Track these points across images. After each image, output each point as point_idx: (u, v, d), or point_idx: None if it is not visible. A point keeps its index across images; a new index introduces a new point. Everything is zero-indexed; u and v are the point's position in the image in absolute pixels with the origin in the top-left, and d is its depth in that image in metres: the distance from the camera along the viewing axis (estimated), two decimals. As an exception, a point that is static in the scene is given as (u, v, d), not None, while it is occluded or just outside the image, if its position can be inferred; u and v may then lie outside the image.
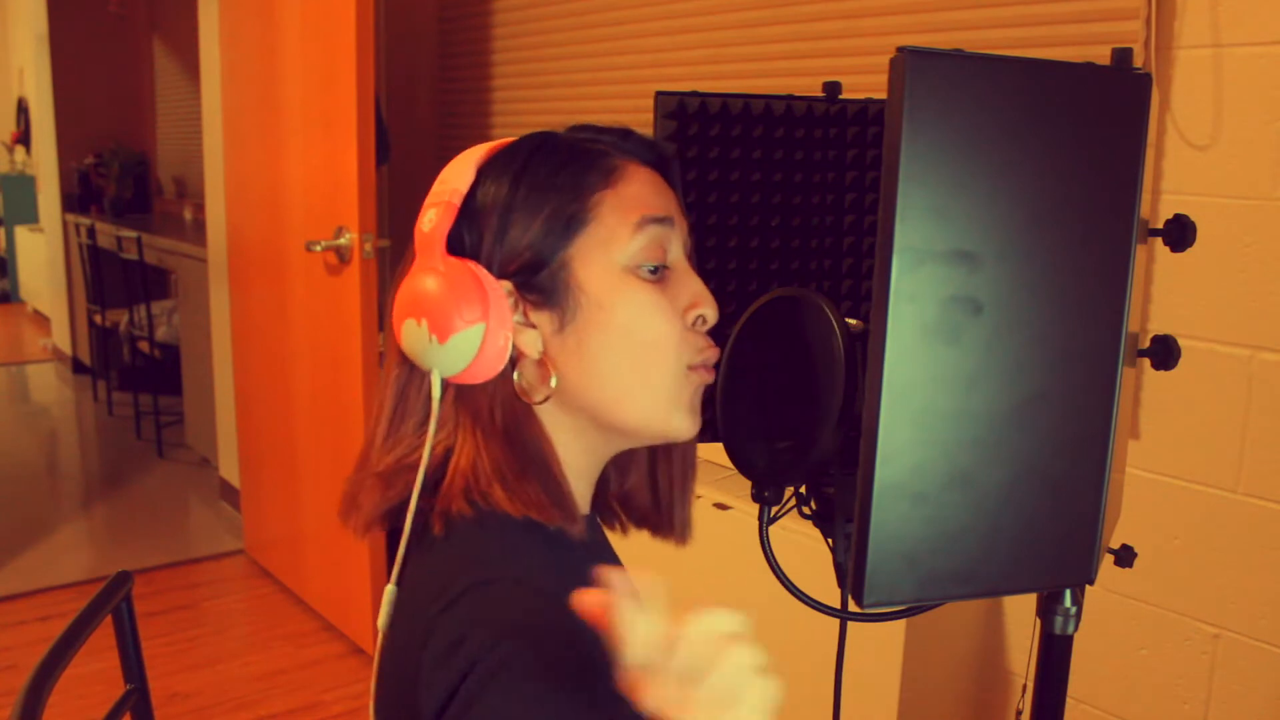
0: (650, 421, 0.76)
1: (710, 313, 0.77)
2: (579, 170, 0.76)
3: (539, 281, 0.74)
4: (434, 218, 0.74)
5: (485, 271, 0.73)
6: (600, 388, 0.75)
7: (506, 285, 0.74)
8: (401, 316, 0.74)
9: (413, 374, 0.78)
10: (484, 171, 0.76)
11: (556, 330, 0.75)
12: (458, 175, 0.76)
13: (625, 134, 0.80)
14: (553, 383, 0.75)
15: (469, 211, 0.75)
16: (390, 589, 0.73)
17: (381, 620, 0.73)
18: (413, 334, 0.73)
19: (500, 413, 0.75)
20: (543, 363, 0.75)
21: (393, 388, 0.79)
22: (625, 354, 0.75)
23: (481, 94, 3.08)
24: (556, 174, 0.75)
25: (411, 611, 0.71)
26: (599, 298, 0.74)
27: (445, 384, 0.74)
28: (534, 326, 0.75)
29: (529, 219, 0.74)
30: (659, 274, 0.75)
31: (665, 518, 0.86)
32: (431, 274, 0.73)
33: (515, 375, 0.75)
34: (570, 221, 0.74)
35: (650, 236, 0.75)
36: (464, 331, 0.72)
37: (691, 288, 0.77)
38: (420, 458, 0.74)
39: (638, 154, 0.79)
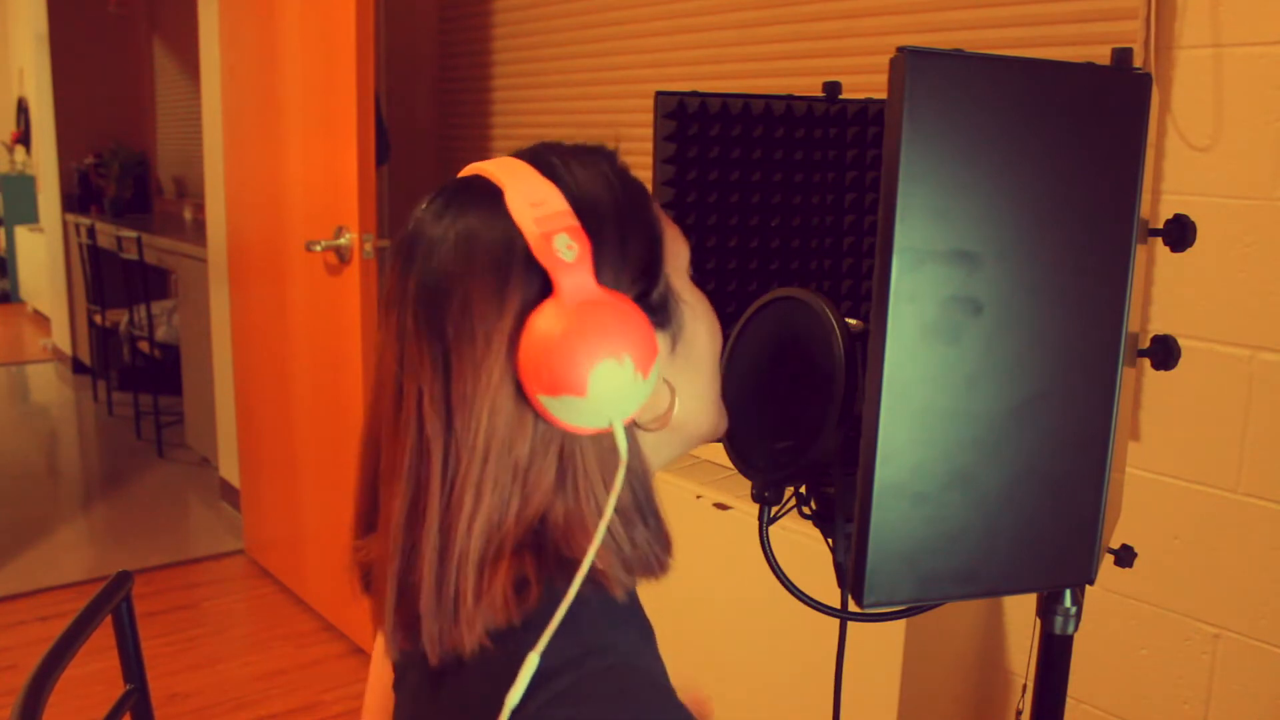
0: (720, 424, 0.78)
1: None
2: (635, 181, 0.72)
3: (654, 301, 0.69)
4: (572, 244, 0.64)
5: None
6: (700, 399, 0.74)
7: None
8: (589, 360, 0.62)
9: (491, 428, 0.65)
10: (571, 189, 0.67)
11: (670, 350, 0.71)
12: (540, 188, 0.66)
13: (609, 150, 0.75)
14: (677, 406, 0.71)
15: (588, 234, 0.66)
16: (534, 657, 0.62)
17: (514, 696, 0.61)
18: (613, 377, 0.62)
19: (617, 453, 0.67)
20: (658, 392, 0.70)
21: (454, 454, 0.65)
22: (713, 359, 0.75)
23: (481, 94, 3.08)
24: (627, 185, 0.71)
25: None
26: (694, 309, 0.73)
27: (549, 430, 0.66)
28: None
29: (638, 237, 0.69)
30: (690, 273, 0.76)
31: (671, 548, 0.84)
32: (611, 308, 0.63)
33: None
34: (659, 233, 0.71)
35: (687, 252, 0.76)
36: (655, 364, 0.65)
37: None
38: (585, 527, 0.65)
39: None
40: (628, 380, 0.63)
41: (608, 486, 0.66)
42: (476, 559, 0.65)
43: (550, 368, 0.62)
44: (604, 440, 0.67)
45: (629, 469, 0.67)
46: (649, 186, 0.77)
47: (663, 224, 0.73)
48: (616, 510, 0.67)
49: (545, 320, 0.63)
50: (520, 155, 0.71)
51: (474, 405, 0.64)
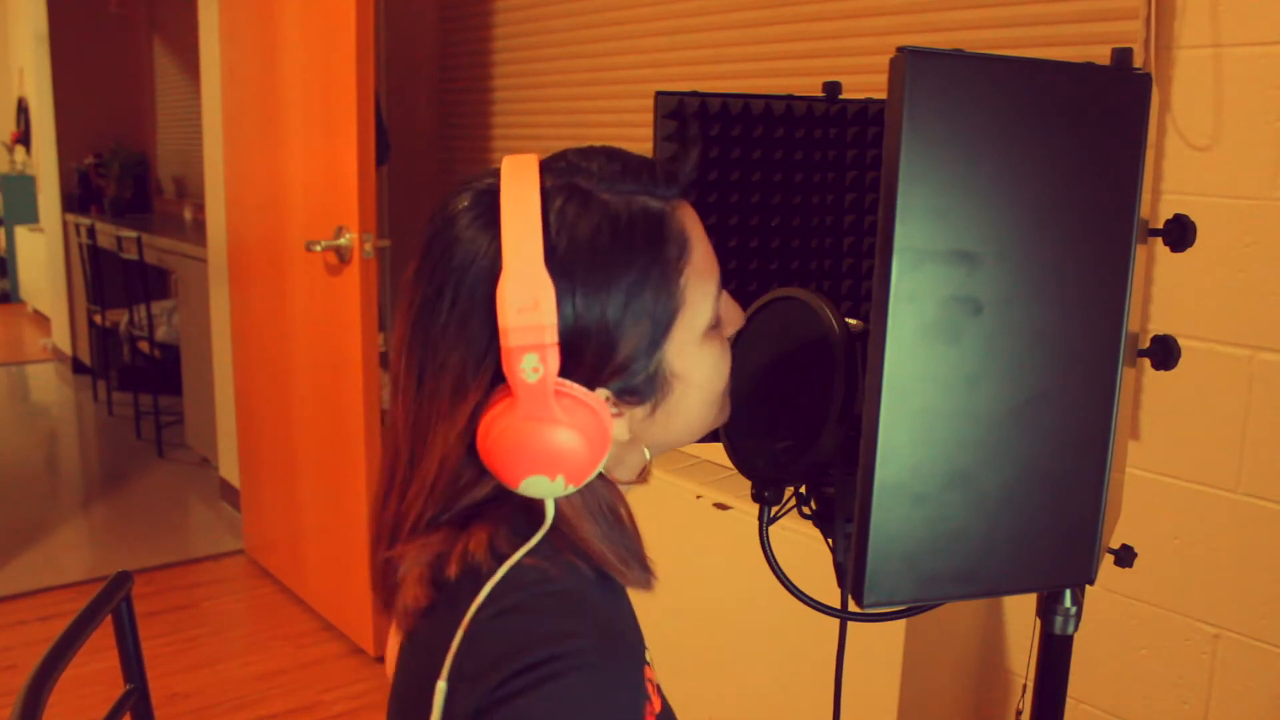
0: (713, 427, 0.81)
1: (742, 323, 0.81)
2: (660, 249, 0.72)
3: (637, 385, 0.72)
4: (538, 366, 0.67)
5: (583, 390, 0.69)
6: (681, 434, 0.78)
7: (604, 393, 0.72)
8: (521, 470, 0.68)
9: (440, 471, 0.72)
10: (568, 285, 0.68)
11: (648, 415, 0.75)
12: (537, 292, 0.67)
13: (652, 169, 0.74)
14: (648, 456, 0.77)
15: (564, 337, 0.68)
16: (443, 686, 0.67)
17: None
18: (540, 487, 0.69)
19: (579, 497, 0.73)
20: (632, 441, 0.76)
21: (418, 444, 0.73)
22: (708, 402, 0.77)
23: (481, 94, 3.08)
24: (649, 268, 0.71)
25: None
26: (686, 376, 0.75)
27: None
28: (621, 415, 0.74)
29: (634, 333, 0.71)
30: (716, 318, 0.77)
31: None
32: (555, 432, 0.68)
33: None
34: (669, 319, 0.72)
35: (719, 291, 0.77)
36: (597, 468, 0.71)
37: (734, 313, 0.80)
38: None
39: (675, 191, 0.74)
40: (559, 489, 0.69)
41: (572, 524, 0.72)
42: (408, 550, 0.73)
43: (490, 454, 0.69)
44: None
45: (590, 508, 0.73)
46: (676, 225, 0.74)
47: (684, 295, 0.73)
48: (596, 539, 0.73)
49: (497, 417, 0.69)
50: (549, 191, 0.70)
51: (431, 451, 0.72)
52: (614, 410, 0.73)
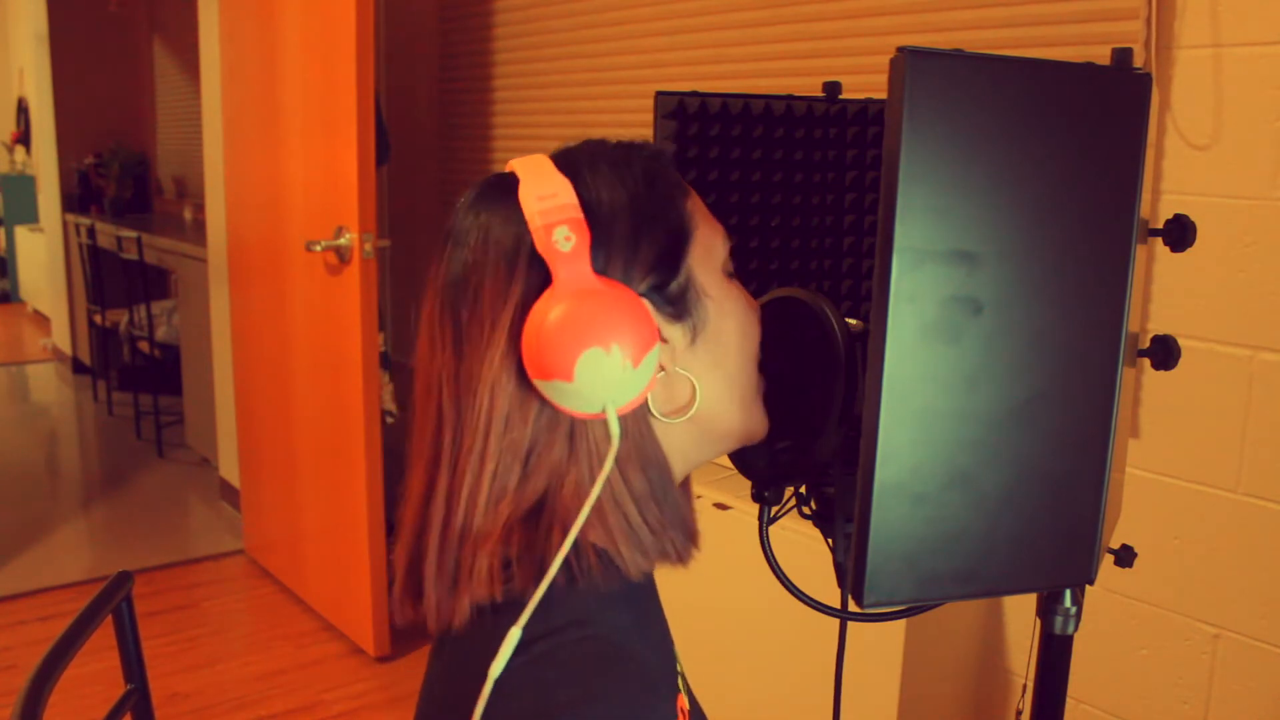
0: (758, 424, 0.78)
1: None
2: (667, 179, 0.74)
3: (671, 293, 0.71)
4: (570, 235, 0.66)
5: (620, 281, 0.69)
6: (730, 398, 0.75)
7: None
8: (575, 347, 0.65)
9: (491, 407, 0.68)
10: (586, 183, 0.70)
11: (689, 344, 0.72)
12: (553, 184, 0.69)
13: (656, 148, 0.77)
14: (698, 398, 0.72)
15: (589, 218, 0.68)
16: (515, 631, 0.64)
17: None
18: (599, 365, 0.65)
19: (633, 438, 0.70)
20: (675, 379, 0.72)
21: (462, 430, 0.69)
22: (746, 360, 0.76)
23: (481, 94, 3.08)
24: (654, 183, 0.72)
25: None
26: (722, 305, 0.74)
27: (555, 414, 0.68)
28: (666, 341, 0.71)
29: (654, 230, 0.70)
30: (732, 271, 0.77)
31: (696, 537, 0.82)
32: (602, 298, 0.66)
33: (649, 395, 0.70)
34: (684, 229, 0.73)
35: (728, 245, 0.77)
36: (649, 355, 0.67)
37: (747, 291, 0.79)
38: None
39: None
40: (616, 369, 0.66)
41: (619, 470, 0.69)
42: (476, 533, 0.68)
43: (540, 354, 0.65)
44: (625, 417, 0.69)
45: (644, 456, 0.70)
46: (678, 176, 0.77)
47: (693, 220, 0.74)
48: (632, 496, 0.69)
49: (540, 309, 0.66)
50: (556, 152, 0.74)
51: (478, 386, 0.68)
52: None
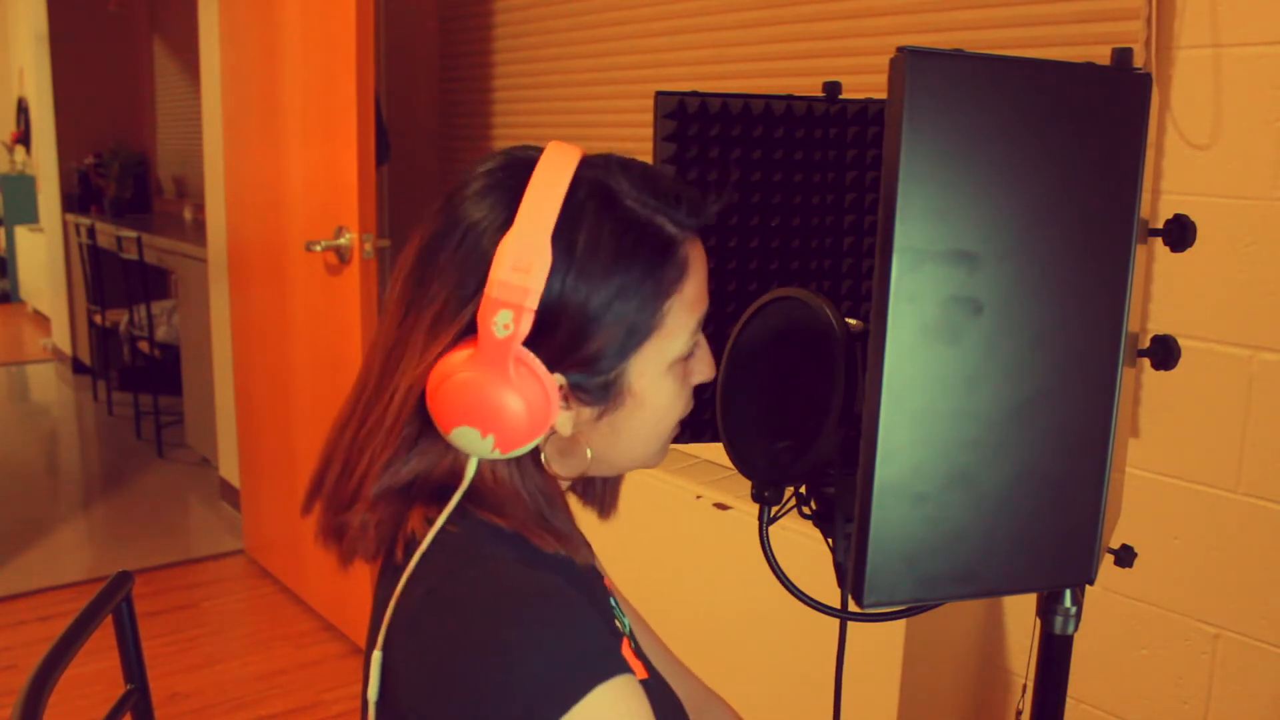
0: (647, 465, 0.83)
1: (710, 377, 0.83)
2: (659, 268, 0.74)
3: (593, 384, 0.75)
4: (509, 324, 0.69)
5: (542, 366, 0.72)
6: (620, 455, 0.80)
7: (560, 380, 0.74)
8: (456, 417, 0.71)
9: (406, 399, 0.74)
10: (567, 267, 0.71)
11: (594, 419, 0.77)
12: (535, 254, 0.70)
13: (679, 197, 0.76)
14: (589, 456, 0.78)
15: (543, 309, 0.71)
16: (378, 656, 0.72)
17: (371, 692, 0.72)
18: (471, 440, 0.72)
19: (514, 473, 0.75)
20: (575, 439, 0.77)
21: (378, 398, 0.76)
22: (651, 433, 0.79)
23: (481, 94, 3.08)
24: (643, 280, 0.73)
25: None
26: (641, 397, 0.77)
27: (426, 418, 0.74)
28: (570, 410, 0.76)
29: (607, 333, 0.73)
30: (689, 354, 0.79)
31: (603, 498, 0.91)
32: (506, 389, 0.70)
33: (541, 447, 0.76)
34: (644, 334, 0.75)
35: (699, 331, 0.79)
36: (522, 448, 0.73)
37: (706, 362, 0.81)
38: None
39: (694, 223, 0.77)
40: (485, 448, 0.72)
41: (494, 472, 0.75)
42: (371, 490, 0.75)
43: (436, 394, 0.71)
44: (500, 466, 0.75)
45: (531, 484, 0.76)
46: (686, 259, 0.78)
47: (663, 320, 0.75)
48: (522, 501, 0.76)
49: (454, 360, 0.71)
50: (588, 171, 0.74)
51: (396, 377, 0.74)
52: (563, 403, 0.75)
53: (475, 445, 0.71)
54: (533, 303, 0.69)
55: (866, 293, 1.02)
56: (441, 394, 0.71)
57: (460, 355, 0.71)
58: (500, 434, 0.71)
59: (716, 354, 0.84)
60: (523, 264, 0.69)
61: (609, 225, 0.73)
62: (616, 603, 0.89)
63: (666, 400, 0.78)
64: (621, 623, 0.86)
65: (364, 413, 0.76)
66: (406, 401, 0.74)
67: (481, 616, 0.67)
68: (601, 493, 0.90)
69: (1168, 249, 0.76)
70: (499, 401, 0.70)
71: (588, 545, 0.79)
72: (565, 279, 0.71)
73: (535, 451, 0.75)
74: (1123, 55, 0.68)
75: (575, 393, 0.75)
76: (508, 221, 0.71)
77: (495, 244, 0.70)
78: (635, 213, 0.74)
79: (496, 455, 0.72)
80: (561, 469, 0.78)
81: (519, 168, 0.73)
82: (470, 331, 0.71)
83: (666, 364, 0.77)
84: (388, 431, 0.74)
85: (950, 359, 0.65)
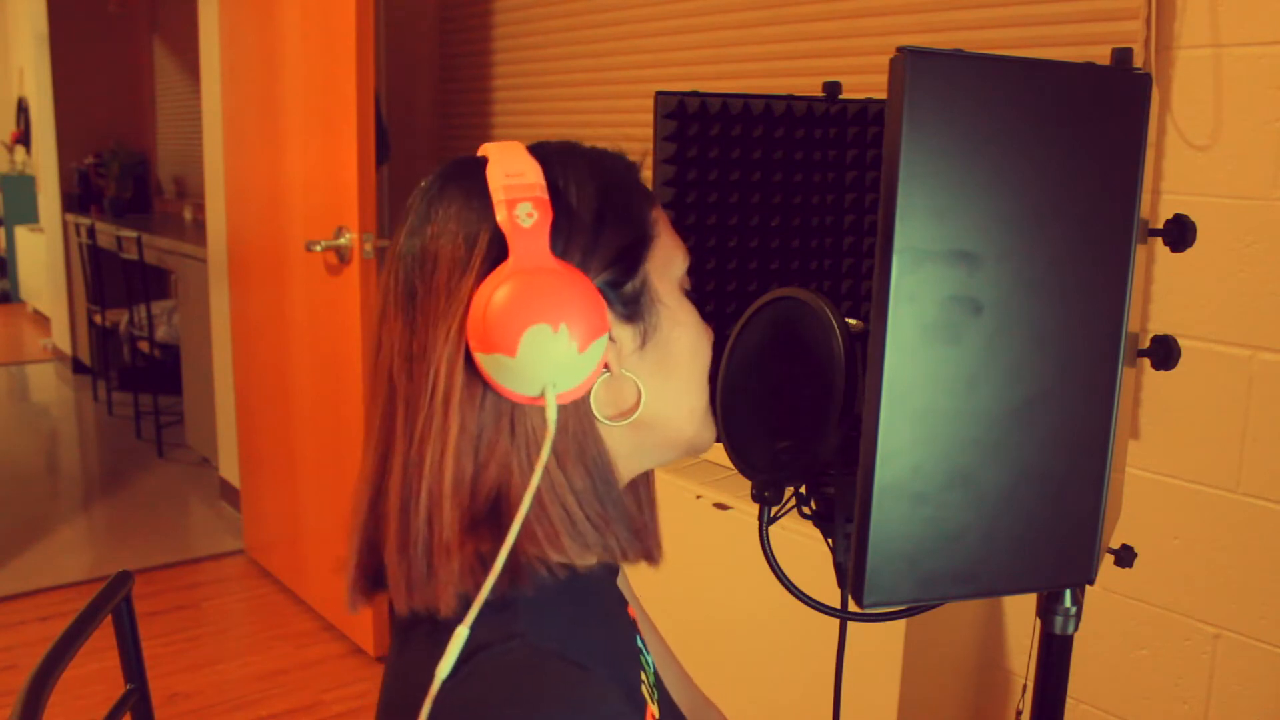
0: (704, 434, 0.78)
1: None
2: (636, 183, 0.74)
3: (626, 293, 0.70)
4: (532, 212, 0.66)
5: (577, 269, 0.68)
6: (676, 405, 0.75)
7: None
8: (522, 320, 0.63)
9: (450, 384, 0.66)
10: (557, 170, 0.70)
11: (638, 348, 0.72)
12: (522, 164, 0.68)
13: (628, 159, 0.77)
14: (644, 400, 0.71)
15: (558, 210, 0.68)
16: (463, 630, 0.63)
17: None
18: (544, 343, 0.64)
19: (573, 434, 0.68)
20: (621, 381, 0.71)
21: (413, 413, 0.68)
22: (696, 373, 0.75)
23: (481, 94, 3.08)
24: (623, 184, 0.72)
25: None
26: (676, 315, 0.74)
27: (498, 400, 0.66)
28: (615, 341, 0.70)
29: (617, 225, 0.70)
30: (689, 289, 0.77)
31: (647, 538, 0.80)
32: (557, 277, 0.65)
33: (592, 394, 0.69)
34: (647, 233, 0.73)
35: (686, 264, 0.77)
36: (596, 342, 0.66)
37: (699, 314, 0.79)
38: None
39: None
40: (560, 349, 0.64)
41: (559, 465, 0.67)
42: (445, 515, 0.66)
43: (487, 326, 0.64)
44: (559, 419, 0.67)
45: (584, 453, 0.68)
46: (648, 187, 0.77)
47: (657, 229, 0.74)
48: (572, 489, 0.68)
49: (492, 281, 0.65)
50: (531, 144, 0.74)
51: (433, 357, 0.67)
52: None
53: (548, 347, 0.63)
54: (543, 194, 0.67)
55: (866, 293, 1.02)
56: (490, 316, 0.63)
57: (493, 276, 0.65)
58: (572, 321, 0.64)
59: (716, 354, 0.84)
60: (514, 171, 0.67)
61: (577, 148, 0.73)
62: (643, 643, 0.83)
63: (694, 318, 0.75)
64: (646, 664, 0.80)
65: (405, 426, 0.68)
66: (453, 375, 0.66)
67: (504, 700, 0.61)
68: (650, 530, 0.80)
69: (1168, 249, 0.76)
70: (557, 283, 0.64)
71: (656, 540, 0.74)
72: (559, 176, 0.69)
73: (594, 427, 0.69)
74: (1123, 55, 0.68)
75: (612, 306, 0.70)
76: (479, 184, 0.69)
77: (483, 181, 0.68)
78: (593, 146, 0.75)
79: (573, 360, 0.65)
80: (618, 418, 0.72)
81: (465, 158, 0.72)
82: (491, 263, 0.66)
83: (677, 281, 0.75)
84: (444, 422, 0.66)
85: (950, 359, 0.65)
